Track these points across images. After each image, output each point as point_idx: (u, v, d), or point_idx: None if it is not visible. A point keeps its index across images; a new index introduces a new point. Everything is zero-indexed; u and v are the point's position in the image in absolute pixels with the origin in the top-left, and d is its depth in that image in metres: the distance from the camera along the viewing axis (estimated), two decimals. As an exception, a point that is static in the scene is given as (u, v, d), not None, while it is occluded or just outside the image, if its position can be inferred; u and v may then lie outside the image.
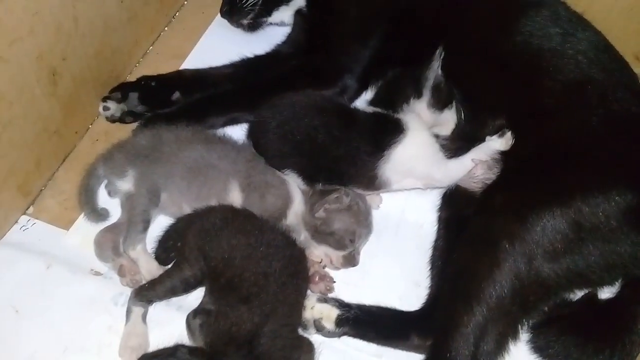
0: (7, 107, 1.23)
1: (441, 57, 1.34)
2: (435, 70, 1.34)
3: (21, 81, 1.24)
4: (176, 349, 1.06)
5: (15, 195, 1.36)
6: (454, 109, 1.38)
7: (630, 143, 1.23)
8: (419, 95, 1.36)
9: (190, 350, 1.07)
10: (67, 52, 1.35)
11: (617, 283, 1.23)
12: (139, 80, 1.59)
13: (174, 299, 1.25)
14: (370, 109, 1.38)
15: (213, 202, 1.29)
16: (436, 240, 1.37)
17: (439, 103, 1.36)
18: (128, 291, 1.24)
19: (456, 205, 1.38)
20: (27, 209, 1.40)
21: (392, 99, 1.38)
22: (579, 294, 1.23)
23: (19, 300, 1.27)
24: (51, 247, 1.34)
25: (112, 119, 1.54)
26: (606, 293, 1.25)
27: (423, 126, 1.34)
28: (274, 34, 1.75)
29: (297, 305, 1.20)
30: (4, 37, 1.16)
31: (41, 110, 1.34)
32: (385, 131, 1.32)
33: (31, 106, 1.30)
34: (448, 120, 1.38)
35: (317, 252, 1.31)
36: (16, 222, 1.38)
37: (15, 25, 1.17)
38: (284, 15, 1.69)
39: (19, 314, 1.25)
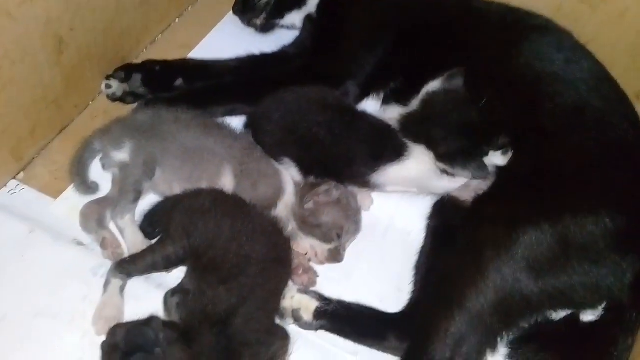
0: (10, 66, 1.23)
1: (451, 80, 1.32)
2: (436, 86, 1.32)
3: (26, 43, 1.24)
4: (150, 319, 1.04)
5: (6, 158, 1.35)
6: None
7: (624, 169, 1.23)
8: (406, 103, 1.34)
9: (164, 322, 1.05)
10: (76, 22, 1.35)
11: (600, 307, 1.21)
12: (144, 62, 1.60)
13: (154, 276, 1.24)
14: (380, 119, 1.36)
15: (204, 185, 1.28)
16: (423, 247, 1.36)
17: None
18: (108, 263, 1.22)
19: (446, 215, 1.37)
20: (17, 174, 1.39)
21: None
22: (561, 314, 1.21)
23: (-3, 261, 1.24)
24: (37, 214, 1.33)
25: (113, 98, 1.54)
26: (589, 316, 1.22)
27: (427, 160, 1.29)
28: (282, 36, 1.76)
29: (277, 292, 1.19)
30: (15, -5, 1.17)
31: (42, 77, 1.33)
32: (385, 148, 1.30)
33: (33, 71, 1.30)
34: None
35: (303, 244, 1.30)
36: (5, 185, 1.37)
37: (27, -14, 1.17)
38: (295, 18, 1.72)
39: (-4, 275, 1.23)
